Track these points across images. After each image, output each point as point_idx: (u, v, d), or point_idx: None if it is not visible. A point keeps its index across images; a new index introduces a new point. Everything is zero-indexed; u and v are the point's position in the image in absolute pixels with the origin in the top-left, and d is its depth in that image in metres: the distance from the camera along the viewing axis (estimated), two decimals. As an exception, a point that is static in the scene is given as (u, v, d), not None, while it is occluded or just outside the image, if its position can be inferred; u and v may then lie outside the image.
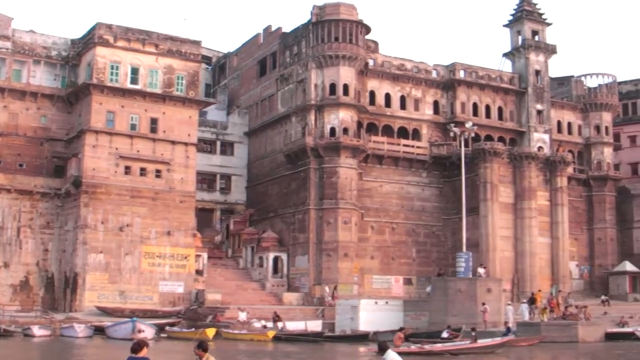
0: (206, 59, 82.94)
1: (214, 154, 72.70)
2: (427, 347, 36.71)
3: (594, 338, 45.51)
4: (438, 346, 37.33)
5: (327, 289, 58.95)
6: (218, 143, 73.17)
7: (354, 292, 60.10)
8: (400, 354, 33.86)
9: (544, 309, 49.14)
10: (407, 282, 64.57)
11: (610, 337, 47.38)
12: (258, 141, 72.12)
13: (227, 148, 73.92)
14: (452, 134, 58.65)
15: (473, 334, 40.26)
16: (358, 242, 62.62)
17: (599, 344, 44.32)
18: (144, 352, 13.23)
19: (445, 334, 41.94)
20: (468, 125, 54.82)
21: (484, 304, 47.10)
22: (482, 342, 38.02)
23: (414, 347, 35.93)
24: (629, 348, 41.83)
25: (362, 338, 44.99)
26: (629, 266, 73.34)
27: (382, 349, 14.81)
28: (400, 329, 39.67)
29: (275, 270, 64.15)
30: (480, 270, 52.18)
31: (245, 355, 37.02)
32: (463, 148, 55.16)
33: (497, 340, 38.91)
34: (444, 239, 66.14)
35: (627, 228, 78.01)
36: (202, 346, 13.87)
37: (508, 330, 43.46)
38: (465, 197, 63.05)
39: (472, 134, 60.83)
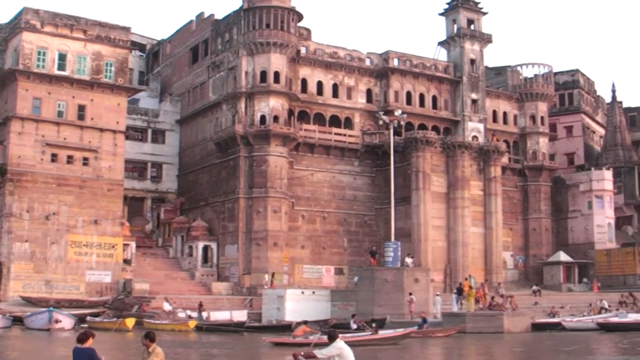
0: (140, 47, 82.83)
1: (145, 142, 72.47)
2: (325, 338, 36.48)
3: (519, 328, 45.95)
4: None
5: (265, 277, 59.12)
6: (149, 131, 72.92)
7: (284, 281, 60.23)
8: (287, 344, 34.30)
9: (469, 296, 49.54)
10: (339, 272, 64.83)
11: (537, 327, 47.94)
12: (190, 129, 72.02)
13: (159, 136, 73.71)
14: (380, 122, 58.92)
15: (373, 325, 40.28)
16: (288, 232, 62.73)
17: (524, 335, 44.68)
18: (89, 342, 13.45)
19: (353, 325, 42.01)
20: (397, 113, 55.19)
21: (410, 294, 47.58)
22: (383, 333, 37.97)
23: (312, 338, 35.88)
24: (547, 338, 42.38)
25: (285, 328, 45.03)
26: (563, 256, 74.45)
27: (332, 338, 14.85)
28: (305, 322, 39.89)
29: (205, 259, 64.10)
30: (408, 260, 52.56)
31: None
32: (392, 136, 55.61)
33: (399, 331, 38.70)
34: (376, 228, 66.48)
35: (562, 218, 79.14)
36: (149, 336, 14.03)
37: (424, 321, 43.73)
38: (397, 186, 63.76)
39: (403, 123, 61.30)
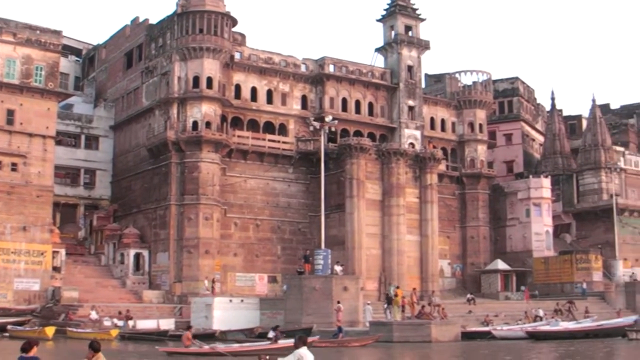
0: (76, 51, 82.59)
1: (78, 148, 72.15)
2: (220, 347, 36.20)
3: (448, 337, 45.71)
4: (235, 346, 36.91)
5: (206, 282, 59.16)
6: (83, 137, 72.55)
7: (216, 290, 60.11)
8: (181, 354, 34.22)
9: (397, 305, 49.65)
10: (272, 279, 64.94)
11: (467, 336, 48.20)
12: (123, 135, 71.88)
13: (92, 142, 73.40)
14: (311, 128, 59.19)
15: (274, 334, 40.30)
16: (220, 239, 62.80)
17: (453, 344, 44.70)
18: (33, 351, 13.47)
19: (271, 334, 42.12)
20: (328, 119, 55.46)
21: (338, 302, 47.49)
22: (282, 342, 37.87)
23: (206, 347, 35.87)
24: (474, 348, 42.68)
25: (209, 337, 44.96)
26: (500, 264, 75.22)
27: (304, 343, 14.89)
28: (188, 328, 39.84)
29: (137, 267, 63.92)
30: (337, 268, 52.52)
31: (73, 355, 36.71)
32: (323, 143, 55.86)
33: None
34: (310, 236, 66.68)
35: (500, 226, 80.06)
36: (93, 346, 14.05)
37: (339, 330, 43.76)
38: (331, 193, 65.03)
39: (338, 130, 61.73)
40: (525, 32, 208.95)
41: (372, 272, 65.47)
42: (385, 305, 50.83)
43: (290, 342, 37.78)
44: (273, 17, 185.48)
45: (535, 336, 48.70)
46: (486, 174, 78.39)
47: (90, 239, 69.99)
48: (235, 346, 37.41)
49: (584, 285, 70.96)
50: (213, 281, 59.16)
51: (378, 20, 75.83)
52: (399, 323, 46.75)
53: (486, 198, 78.50)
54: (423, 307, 51.23)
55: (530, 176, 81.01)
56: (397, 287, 54.76)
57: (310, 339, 37.76)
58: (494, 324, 55.36)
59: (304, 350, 14.70)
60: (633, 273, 78.30)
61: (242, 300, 52.53)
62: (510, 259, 77.60)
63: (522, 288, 74.15)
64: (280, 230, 66.82)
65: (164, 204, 62.98)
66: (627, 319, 55.22)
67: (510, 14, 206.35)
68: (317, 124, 54.99)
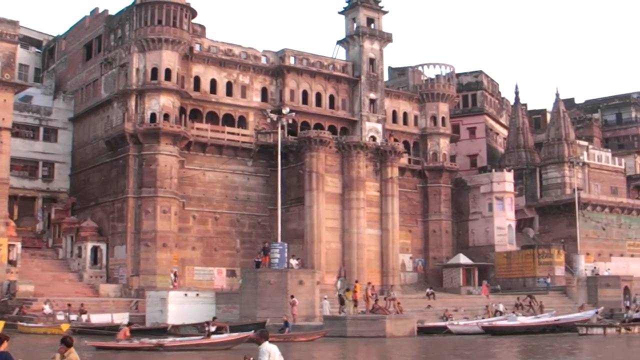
0: (37, 43, 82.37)
1: (37, 140, 71.91)
2: (149, 341, 36.17)
3: (403, 332, 45.75)
4: (167, 341, 37.11)
5: (172, 275, 59.23)
6: (41, 129, 72.32)
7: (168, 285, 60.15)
8: (109, 348, 34.17)
9: (348, 299, 49.80)
10: (231, 273, 64.98)
11: (423, 331, 48.33)
12: (82, 127, 71.73)
13: (51, 134, 73.19)
14: (268, 120, 59.34)
15: (206, 328, 40.33)
16: (178, 232, 62.86)
17: (408, 339, 44.81)
18: (4, 346, 13.52)
19: (212, 328, 42.22)
20: (285, 111, 55.50)
21: (292, 296, 47.59)
22: (215, 337, 37.95)
23: (136, 342, 35.92)
24: (429, 343, 42.91)
25: (161, 332, 45.07)
26: (463, 259, 75.67)
27: (266, 338, 14.87)
28: (128, 324, 39.84)
29: (95, 260, 63.84)
30: (293, 262, 52.53)
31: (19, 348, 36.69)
32: (280, 135, 55.92)
33: (233, 335, 38.59)
34: (270, 229, 66.64)
35: (462, 220, 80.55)
36: (65, 341, 14.15)
37: (285, 324, 43.92)
38: (291, 186, 65.76)
39: (299, 122, 62.00)
40: (490, 25, 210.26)
41: (331, 266, 65.80)
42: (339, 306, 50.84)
43: (221, 337, 38.13)
44: (234, 8, 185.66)
45: (491, 331, 49.05)
46: (448, 168, 78.84)
47: (48, 232, 69.87)
48: (168, 340, 37.51)
49: (548, 280, 71.53)
50: (175, 275, 59.33)
51: (340, 13, 76.11)
52: (353, 318, 46.87)
53: (448, 192, 78.96)
54: (377, 301, 51.18)
55: (493, 170, 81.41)
56: (355, 282, 54.96)
57: (242, 335, 38.27)
58: (454, 318, 55.52)
59: (268, 346, 14.75)
60: (595, 267, 78.82)
61: (197, 294, 52.56)
62: (473, 253, 78.06)
63: (485, 282, 74.70)
64: (240, 223, 66.96)
65: (121, 197, 62.94)
66: (585, 314, 55.85)
67: (475, 8, 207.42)
68: (274, 116, 55.01)
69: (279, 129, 55.47)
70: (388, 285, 67.79)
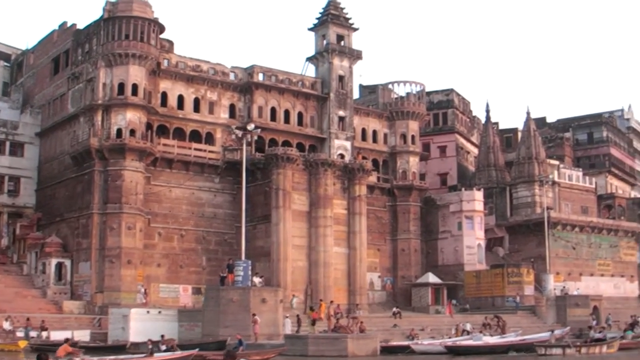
0: (5, 57, 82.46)
1: (2, 154, 72.00)
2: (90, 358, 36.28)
3: (365, 352, 45.57)
4: (107, 359, 37.15)
5: (143, 290, 59.14)
6: (7, 143, 72.36)
7: (137, 300, 60.23)
8: None
9: (312, 321, 50.00)
10: (197, 291, 64.84)
11: (387, 350, 48.27)
12: (49, 142, 71.85)
13: (17, 149, 73.29)
14: (233, 137, 59.58)
15: (150, 347, 40.32)
16: (144, 249, 62.90)
17: (371, 358, 44.89)
18: None
19: (162, 347, 42.19)
20: (250, 127, 55.75)
21: (254, 314, 47.63)
22: (158, 356, 37.94)
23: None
24: None
25: (119, 349, 45.07)
26: (431, 278, 75.74)
27: (232, 358, 15.38)
28: (66, 340, 39.74)
29: (59, 277, 63.78)
30: (256, 280, 52.85)
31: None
32: (244, 152, 56.05)
33: (177, 354, 38.61)
34: (236, 247, 65.78)
35: (432, 239, 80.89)
36: (41, 357, 14.33)
37: (240, 343, 43.66)
38: (258, 204, 66.25)
39: (259, 137, 62.13)
40: (462, 44, 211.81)
41: (298, 284, 65.99)
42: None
43: (165, 355, 38.19)
44: (203, 24, 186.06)
45: (455, 351, 49.13)
46: (418, 186, 79.20)
47: (13, 248, 69.87)
48: (110, 358, 37.52)
49: (517, 299, 71.86)
50: (145, 291, 59.38)
51: (310, 29, 76.45)
52: (314, 337, 47.04)
53: (418, 210, 79.26)
54: (338, 320, 51.20)
55: (463, 189, 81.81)
56: (320, 301, 55.25)
57: (186, 353, 38.39)
58: (420, 338, 55.66)
59: None
60: (564, 287, 79.20)
61: (159, 312, 52.60)
62: (442, 272, 78.27)
63: (454, 302, 74.97)
64: (206, 240, 67.10)
65: (86, 213, 62.98)
66: (548, 334, 55.99)
67: (447, 26, 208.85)
68: (239, 132, 55.24)
69: (244, 145, 55.62)
70: (355, 304, 67.86)
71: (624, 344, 52.44)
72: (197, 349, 41.12)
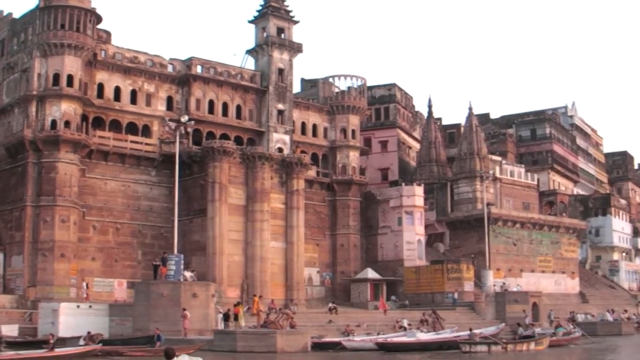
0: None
1: None
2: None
3: (295, 348, 45.77)
4: (6, 354, 37.29)
5: (85, 285, 59.14)
6: (-58, 134, 71.80)
7: (71, 294, 60.30)
8: None
9: (234, 315, 50.27)
10: (132, 285, 64.26)
11: (318, 347, 48.76)
12: (-17, 134, 71.38)
13: (-49, 140, 72.67)
14: (166, 129, 59.88)
15: (51, 341, 40.68)
16: (78, 243, 62.92)
17: (300, 355, 44.93)
18: None
19: (81, 341, 42.31)
20: (184, 119, 56.09)
21: (184, 309, 47.89)
22: (59, 350, 38.06)
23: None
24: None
25: (41, 344, 44.90)
26: (370, 273, 76.35)
27: (169, 356, 15.10)
28: None
29: (-8, 270, 63.69)
30: (187, 274, 52.93)
31: None
32: (178, 144, 56.47)
33: (79, 348, 39.19)
34: (172, 241, 66.60)
35: (372, 234, 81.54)
36: None
37: (158, 337, 44.07)
38: (194, 197, 66.79)
39: (191, 129, 62.56)
40: (406, 39, 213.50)
41: (234, 279, 66.34)
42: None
43: (64, 350, 38.45)
44: (141, 15, 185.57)
45: (385, 348, 49.13)
46: (358, 181, 79.86)
47: (-54, 242, 69.36)
48: (9, 353, 37.74)
49: (455, 295, 72.70)
50: (87, 286, 59.40)
51: (250, 22, 76.84)
52: (243, 332, 47.16)
53: (357, 205, 79.94)
54: (268, 315, 51.35)
55: (403, 184, 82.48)
56: (254, 296, 55.74)
57: (88, 347, 38.58)
58: (355, 334, 56.08)
59: None
60: (504, 283, 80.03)
61: (90, 306, 52.69)
62: (382, 268, 78.95)
63: (393, 298, 75.62)
64: (142, 234, 67.26)
65: (19, 205, 62.86)
66: (486, 330, 56.67)
67: (391, 21, 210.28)
68: (173, 124, 55.51)
69: (177, 137, 55.91)
70: (293, 300, 68.38)
71: (554, 341, 53.01)
72: (100, 344, 41.58)
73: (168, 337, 45.54)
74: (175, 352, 15.18)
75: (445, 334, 55.53)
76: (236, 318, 50.47)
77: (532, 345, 49.60)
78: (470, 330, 53.53)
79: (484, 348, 47.08)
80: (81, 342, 41.91)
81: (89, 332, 44.93)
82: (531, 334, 54.39)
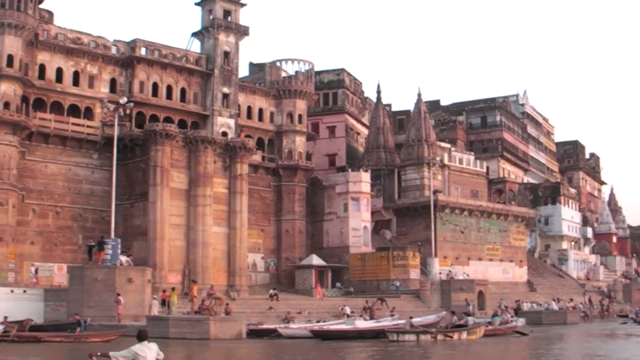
0: None
1: None
2: None
3: (229, 335, 45.66)
4: None
5: (32, 269, 59.00)
6: None
7: (9, 279, 60.14)
8: None
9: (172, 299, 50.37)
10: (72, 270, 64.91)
11: (255, 334, 48.78)
12: None
13: None
14: (105, 110, 59.77)
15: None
16: (16, 226, 62.73)
17: (233, 342, 44.61)
18: None
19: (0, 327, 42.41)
20: (123, 101, 56.05)
21: (118, 294, 48.02)
22: None
23: None
24: (250, 347, 42.65)
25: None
26: (315, 260, 76.76)
27: (142, 338, 15.17)
28: None
29: None
30: (123, 259, 52.93)
31: None
32: (117, 126, 56.58)
33: None
34: (114, 225, 66.83)
35: (317, 220, 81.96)
36: None
37: (78, 323, 44.12)
38: (137, 181, 67.21)
39: (129, 111, 62.52)
40: (356, 24, 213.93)
41: (175, 264, 66.30)
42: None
43: None
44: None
45: (321, 335, 48.70)
46: (304, 166, 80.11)
47: None
48: None
49: (397, 283, 73.16)
50: (37, 271, 59.29)
51: (197, 4, 76.50)
52: (176, 318, 47.08)
53: (303, 191, 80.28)
54: (203, 301, 50.95)
55: (350, 170, 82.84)
56: (192, 282, 55.95)
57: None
58: (296, 321, 56.25)
59: (138, 347, 14.95)
60: (450, 271, 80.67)
61: (24, 291, 52.63)
62: (327, 254, 79.47)
63: (338, 285, 76.20)
64: (82, 218, 67.09)
65: (-44, 188, 62.45)
66: (426, 319, 56.52)
67: (341, 5, 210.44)
68: (111, 106, 55.44)
69: (116, 119, 55.89)
70: (235, 286, 68.55)
71: (489, 331, 52.56)
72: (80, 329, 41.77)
73: (102, 323, 45.76)
74: (147, 335, 15.30)
75: (385, 322, 55.17)
76: (164, 303, 50.40)
77: (465, 335, 48.71)
78: (411, 318, 53.27)
79: (412, 337, 46.07)
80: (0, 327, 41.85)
81: (5, 317, 44.77)
82: (464, 323, 53.95)
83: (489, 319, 57.92)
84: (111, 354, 14.89)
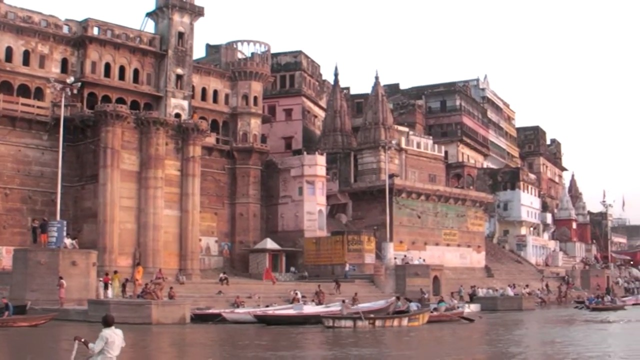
0: None
1: None
2: None
3: (172, 319, 45.80)
4: None
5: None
6: None
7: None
8: None
9: (104, 284, 50.40)
10: (20, 253, 64.77)
11: (200, 318, 49.05)
12: None
13: None
14: (52, 90, 59.55)
15: None
16: (-37, 208, 62.44)
17: (175, 327, 44.66)
18: None
19: None
20: (70, 80, 55.86)
21: (61, 278, 47.86)
22: None
23: None
24: (191, 332, 42.67)
25: None
26: (269, 244, 77.12)
27: (108, 324, 15.24)
28: None
29: None
30: (67, 241, 52.53)
31: None
32: (63, 106, 56.55)
33: None
34: (64, 207, 66.26)
35: (272, 204, 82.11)
36: None
37: (6, 307, 43.74)
38: (87, 163, 67.03)
39: (76, 91, 62.30)
40: (315, 6, 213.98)
41: (125, 247, 66.10)
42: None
43: None
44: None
45: (265, 320, 48.86)
46: (259, 149, 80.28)
47: None
48: None
49: (347, 267, 73.44)
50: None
51: (152, -17, 76.28)
52: (117, 302, 47.06)
53: (258, 174, 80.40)
54: (147, 285, 50.16)
55: (305, 153, 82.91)
56: (137, 265, 56.00)
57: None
58: (246, 305, 56.33)
59: (108, 332, 15.07)
60: (405, 256, 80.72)
61: (-34, 275, 52.40)
62: (282, 238, 79.82)
63: (292, 269, 76.54)
64: (32, 200, 66.74)
65: None
66: (375, 304, 56.57)
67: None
68: (58, 85, 55.24)
69: (63, 98, 55.69)
70: (187, 269, 68.49)
71: (434, 317, 52.59)
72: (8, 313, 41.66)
73: (44, 307, 45.62)
74: (114, 320, 15.41)
75: (334, 308, 54.81)
76: (106, 287, 50.38)
77: (405, 321, 48.27)
78: (343, 301, 52.64)
79: (348, 323, 45.72)
80: None
81: None
82: (405, 309, 53.51)
83: (435, 305, 58.14)
84: (90, 345, 15.01)
